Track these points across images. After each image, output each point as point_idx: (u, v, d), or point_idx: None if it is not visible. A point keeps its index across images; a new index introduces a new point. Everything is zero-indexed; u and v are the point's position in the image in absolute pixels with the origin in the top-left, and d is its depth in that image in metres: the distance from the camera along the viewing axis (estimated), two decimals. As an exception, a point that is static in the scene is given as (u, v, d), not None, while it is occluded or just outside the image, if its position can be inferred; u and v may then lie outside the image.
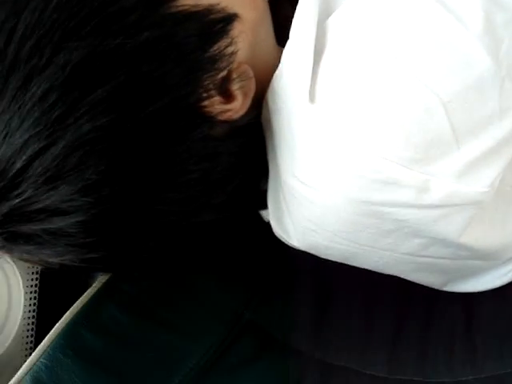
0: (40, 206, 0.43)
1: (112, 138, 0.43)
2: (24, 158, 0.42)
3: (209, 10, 0.46)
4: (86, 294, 0.54)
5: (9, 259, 0.54)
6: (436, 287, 0.54)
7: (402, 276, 0.53)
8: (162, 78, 0.44)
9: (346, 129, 0.43)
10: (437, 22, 0.42)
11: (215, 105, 0.46)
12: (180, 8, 0.45)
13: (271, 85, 0.48)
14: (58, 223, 0.44)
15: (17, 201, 0.43)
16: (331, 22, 0.46)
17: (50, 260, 0.47)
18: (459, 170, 0.43)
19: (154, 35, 0.43)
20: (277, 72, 0.48)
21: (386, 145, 0.42)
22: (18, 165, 0.42)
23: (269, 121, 0.49)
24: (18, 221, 0.44)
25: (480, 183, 0.43)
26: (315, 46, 0.45)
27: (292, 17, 0.48)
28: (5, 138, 0.42)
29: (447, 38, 0.42)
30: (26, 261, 0.53)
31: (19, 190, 0.43)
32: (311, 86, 0.44)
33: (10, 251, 0.47)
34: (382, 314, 0.58)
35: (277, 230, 0.52)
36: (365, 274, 0.53)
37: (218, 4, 0.47)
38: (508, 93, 0.43)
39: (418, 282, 0.54)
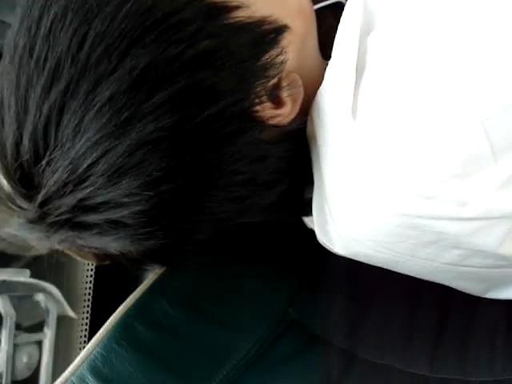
0: (104, 199, 0.45)
1: (173, 138, 0.45)
2: (94, 155, 0.44)
3: (261, 22, 0.48)
4: (138, 289, 0.56)
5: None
6: (478, 294, 0.55)
7: (443, 283, 0.53)
8: (217, 84, 0.46)
9: (386, 146, 0.44)
10: (476, 42, 0.43)
11: (266, 110, 0.48)
12: (235, 19, 0.47)
13: (315, 100, 0.50)
14: (118, 214, 0.46)
15: (84, 193, 0.45)
16: (372, 40, 0.47)
17: (109, 245, 0.49)
18: (497, 185, 0.43)
19: (211, 44, 0.46)
20: (321, 88, 0.50)
21: (425, 160, 0.43)
22: (89, 161, 0.44)
23: (313, 134, 0.51)
24: (84, 211, 0.46)
25: None
26: (357, 63, 0.47)
27: (334, 28, 0.50)
28: (76, 136, 0.44)
29: (486, 58, 0.43)
30: (84, 257, 0.56)
31: (86, 184, 0.45)
32: (353, 103, 0.46)
33: (73, 241, 0.49)
34: (423, 314, 0.58)
35: (321, 238, 0.53)
36: (408, 277, 0.53)
37: (270, 16, 0.49)
38: None
39: (459, 289, 0.54)
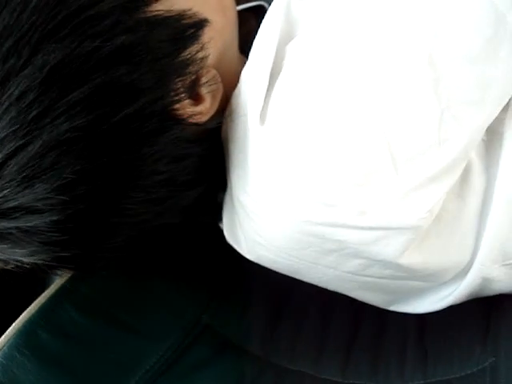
0: (15, 203, 0.43)
1: (88, 139, 0.43)
2: (0, 156, 0.42)
3: (181, 16, 0.47)
4: (43, 294, 0.54)
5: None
6: (381, 306, 0.56)
7: (346, 293, 0.54)
8: (135, 82, 0.44)
9: (290, 153, 0.44)
10: (382, 56, 0.44)
11: (186, 107, 0.48)
12: (154, 13, 0.46)
13: (230, 101, 0.50)
14: (32, 221, 0.44)
15: None
16: (289, 48, 0.48)
17: (22, 259, 0.47)
18: (398, 196, 0.44)
19: (128, 40, 0.44)
20: (235, 90, 0.50)
21: (327, 169, 0.44)
22: None
23: (226, 136, 0.50)
24: None
25: (418, 209, 0.44)
26: (273, 69, 0.47)
27: (255, 31, 0.50)
28: None
29: (391, 71, 0.44)
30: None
31: None
32: (263, 107, 0.46)
33: None
34: (337, 320, 0.59)
35: (230, 240, 0.54)
36: None
37: (190, 9, 0.48)
38: (447, 125, 0.44)
39: (362, 300, 0.55)
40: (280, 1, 0.50)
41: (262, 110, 0.46)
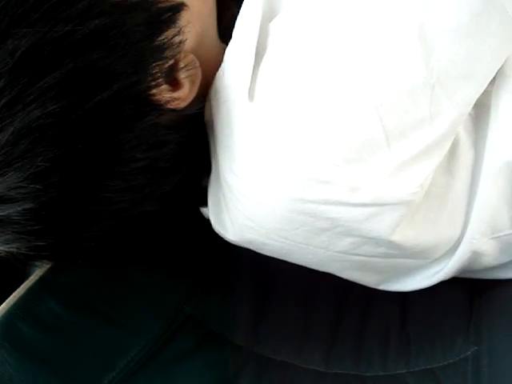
0: None
1: (61, 125, 0.42)
2: None
3: None
4: (22, 285, 0.53)
5: None
6: (371, 286, 0.56)
7: (336, 274, 0.54)
8: (110, 66, 0.43)
9: (281, 128, 0.44)
10: (371, 29, 0.44)
11: (163, 93, 0.47)
12: None
13: (214, 82, 0.49)
14: (5, 210, 0.43)
15: None
16: (273, 25, 0.47)
17: None
18: (390, 171, 0.44)
19: (102, 23, 0.43)
20: (219, 70, 0.49)
21: (319, 145, 0.43)
22: None
23: (211, 118, 0.50)
24: None
25: (410, 184, 0.45)
26: (257, 47, 0.46)
27: (237, 17, 0.49)
28: None
29: (382, 44, 0.43)
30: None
31: None
32: (251, 85, 0.46)
33: None
34: (320, 309, 0.59)
35: (215, 226, 0.53)
36: (304, 270, 0.54)
37: None
38: (438, 99, 0.44)
39: (352, 280, 0.55)
40: None
41: (250, 87, 0.46)
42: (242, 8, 0.49)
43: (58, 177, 0.43)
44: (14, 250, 0.47)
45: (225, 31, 0.54)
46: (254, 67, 0.46)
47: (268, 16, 0.48)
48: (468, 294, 0.57)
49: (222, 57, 0.49)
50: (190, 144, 0.51)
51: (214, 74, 0.50)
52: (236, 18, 0.49)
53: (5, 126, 0.41)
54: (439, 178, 0.49)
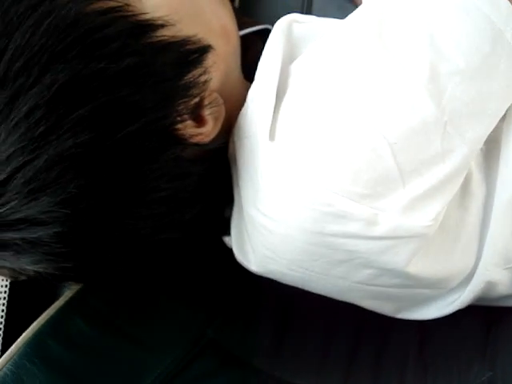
0: (21, 215, 0.44)
1: (91, 155, 0.44)
2: (8, 169, 0.43)
3: (185, 41, 0.49)
4: (53, 305, 0.55)
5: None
6: (389, 314, 0.56)
7: (355, 303, 0.55)
8: (139, 102, 0.46)
9: (301, 165, 0.45)
10: (385, 71, 0.45)
11: (188, 128, 0.49)
12: (159, 38, 0.47)
13: (237, 121, 0.51)
14: (36, 233, 0.45)
15: (0, 211, 0.44)
16: (294, 67, 0.49)
17: (26, 267, 0.48)
18: (404, 205, 0.45)
19: (134, 62, 0.45)
20: (243, 109, 0.51)
21: (336, 181, 0.45)
22: (2, 176, 0.43)
23: (234, 154, 0.52)
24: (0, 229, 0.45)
25: (424, 217, 0.46)
26: (278, 88, 0.48)
27: (261, 52, 0.51)
28: None
29: (395, 85, 0.45)
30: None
31: (2, 200, 0.44)
32: (272, 124, 0.47)
33: None
34: (339, 335, 0.59)
35: (238, 256, 0.55)
36: (325, 298, 0.55)
37: (194, 36, 0.49)
38: (450, 136, 0.46)
39: (371, 309, 0.55)
40: (281, 23, 0.52)
41: (271, 126, 0.47)
42: (264, 50, 0.51)
43: (86, 203, 0.45)
44: (42, 270, 0.48)
45: (249, 67, 0.57)
46: (275, 107, 0.48)
47: (289, 58, 0.50)
48: (484, 321, 0.56)
49: (246, 94, 0.51)
50: (212, 176, 0.52)
51: (238, 110, 0.52)
52: (259, 54, 0.51)
53: (40, 154, 0.43)
54: (452, 212, 0.50)
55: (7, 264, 0.48)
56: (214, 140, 0.51)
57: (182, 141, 0.49)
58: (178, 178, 0.49)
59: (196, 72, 0.49)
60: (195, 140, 0.49)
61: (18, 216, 0.45)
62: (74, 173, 0.44)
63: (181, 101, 0.48)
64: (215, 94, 0.51)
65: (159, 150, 0.47)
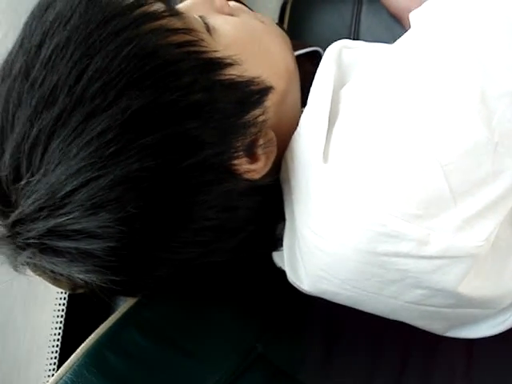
0: (79, 227, 0.46)
1: (154, 180, 0.47)
2: (75, 182, 0.45)
3: (250, 81, 0.51)
4: (110, 318, 0.57)
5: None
6: (438, 333, 0.57)
7: (406, 322, 0.56)
8: (202, 136, 0.48)
9: (354, 187, 0.47)
10: (436, 95, 0.47)
11: (242, 164, 0.51)
12: (227, 76, 0.50)
13: (290, 145, 0.53)
14: (91, 245, 0.47)
15: (61, 220, 0.46)
16: (345, 92, 0.51)
17: (75, 275, 0.50)
18: (456, 226, 0.46)
19: (203, 97, 0.48)
20: (295, 134, 0.53)
21: (390, 202, 0.46)
22: (69, 188, 0.45)
23: (287, 178, 0.53)
24: (57, 236, 0.47)
25: (476, 238, 0.47)
26: (330, 113, 0.50)
27: (311, 73, 0.53)
28: (61, 162, 0.45)
29: (447, 109, 0.46)
30: (58, 285, 0.57)
31: (65, 210, 0.46)
32: (325, 147, 0.49)
33: (39, 263, 0.49)
34: (385, 353, 0.60)
35: (290, 277, 0.56)
36: (372, 316, 0.56)
37: (259, 77, 0.52)
38: (500, 157, 0.46)
39: (421, 328, 0.56)
40: (332, 49, 0.54)
41: (324, 149, 0.49)
42: (316, 76, 0.53)
43: (142, 223, 0.47)
44: (90, 280, 0.50)
45: (301, 87, 0.58)
46: (328, 131, 0.49)
47: (339, 84, 0.52)
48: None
49: (299, 118, 0.53)
50: (260, 209, 0.54)
51: (290, 135, 0.53)
52: (307, 76, 0.53)
53: (107, 173, 0.45)
54: (504, 231, 0.50)
55: (58, 269, 0.50)
56: (263, 177, 0.53)
57: (235, 176, 0.51)
58: (228, 210, 0.52)
59: (256, 112, 0.51)
60: (247, 176, 0.51)
61: (76, 227, 0.47)
62: (135, 194, 0.46)
63: (239, 138, 0.50)
64: (271, 134, 0.53)
65: (213, 182, 0.50)
